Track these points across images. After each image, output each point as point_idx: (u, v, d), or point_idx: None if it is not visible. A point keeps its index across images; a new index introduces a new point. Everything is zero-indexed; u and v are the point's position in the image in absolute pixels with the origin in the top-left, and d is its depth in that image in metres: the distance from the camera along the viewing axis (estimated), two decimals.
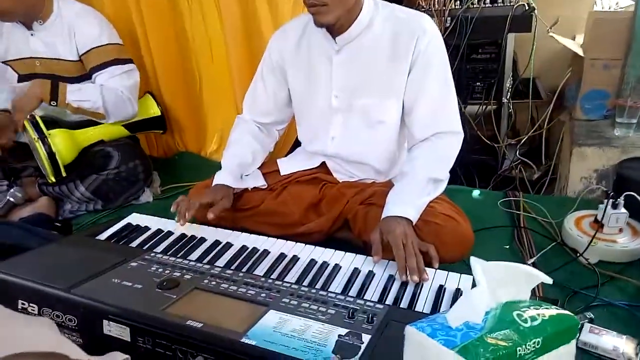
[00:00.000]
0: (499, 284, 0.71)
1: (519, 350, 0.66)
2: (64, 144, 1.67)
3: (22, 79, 1.79)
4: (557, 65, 3.04)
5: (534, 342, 0.68)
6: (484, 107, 2.42)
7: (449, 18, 2.23)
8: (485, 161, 2.54)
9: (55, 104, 1.65)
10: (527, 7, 2.14)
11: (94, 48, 1.71)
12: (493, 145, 2.42)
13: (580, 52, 1.94)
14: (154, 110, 2.01)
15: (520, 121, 2.66)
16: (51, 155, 1.62)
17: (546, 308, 0.74)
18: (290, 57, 1.41)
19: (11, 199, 1.70)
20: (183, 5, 1.99)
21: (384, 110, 1.33)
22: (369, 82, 1.32)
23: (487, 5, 2.18)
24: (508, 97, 2.41)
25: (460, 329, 0.67)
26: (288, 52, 1.41)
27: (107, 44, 1.73)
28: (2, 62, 1.80)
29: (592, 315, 1.06)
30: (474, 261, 0.69)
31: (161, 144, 2.35)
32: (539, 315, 0.71)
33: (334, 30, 1.27)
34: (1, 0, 1.56)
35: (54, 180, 1.68)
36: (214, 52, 2.03)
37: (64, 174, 1.67)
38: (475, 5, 2.19)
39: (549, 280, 0.71)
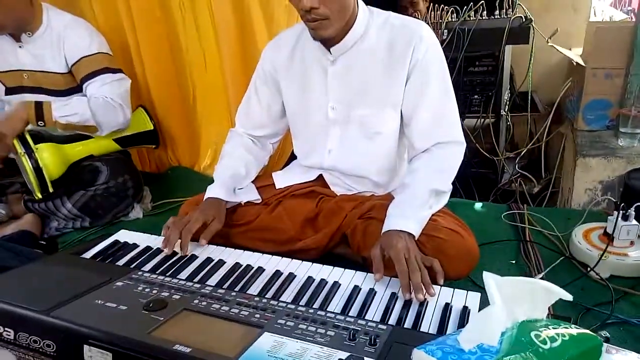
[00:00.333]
0: (515, 301, 0.65)
1: None
2: (52, 159, 1.61)
3: (9, 91, 1.74)
4: (554, 78, 3.05)
5: None
6: (482, 120, 2.40)
7: (445, 30, 2.22)
8: (485, 174, 2.52)
9: (43, 124, 1.60)
10: (524, 19, 2.13)
11: (84, 57, 1.67)
12: (492, 159, 2.39)
13: (581, 61, 1.91)
14: (147, 124, 1.96)
15: (519, 134, 2.64)
16: (38, 170, 1.57)
17: (565, 327, 0.68)
18: (284, 68, 1.36)
19: None
20: (176, 16, 1.95)
21: (382, 121, 1.29)
22: (365, 92, 1.28)
23: (484, 18, 2.17)
24: (506, 109, 2.39)
25: (474, 352, 0.61)
26: (281, 63, 1.37)
27: (97, 53, 1.69)
28: None
29: (607, 334, 1.00)
30: (488, 276, 0.63)
31: (153, 159, 2.29)
32: (558, 335, 0.65)
33: (329, 41, 1.23)
34: None
35: (40, 196, 1.62)
36: (208, 63, 1.99)
37: (50, 190, 1.61)
38: (472, 18, 2.18)
39: (568, 296, 0.66)
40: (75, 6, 2.01)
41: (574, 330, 0.67)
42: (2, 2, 1.53)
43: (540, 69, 3.19)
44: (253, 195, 1.41)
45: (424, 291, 0.97)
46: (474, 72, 2.40)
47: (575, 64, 2.00)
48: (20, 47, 1.69)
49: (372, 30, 1.24)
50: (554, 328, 0.66)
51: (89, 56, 1.67)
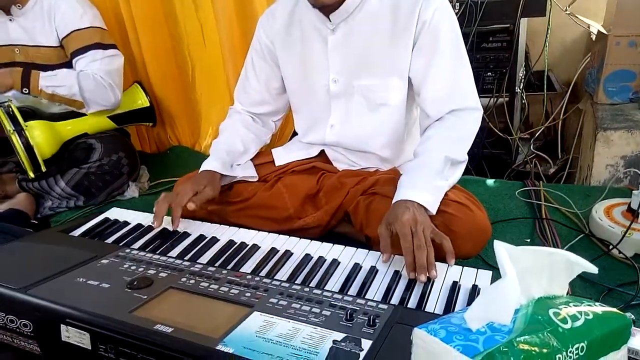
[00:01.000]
0: (531, 275, 0.57)
1: (559, 358, 0.52)
2: (43, 137, 1.56)
3: (1, 67, 1.67)
4: (570, 56, 2.92)
5: (577, 348, 0.54)
6: (496, 99, 2.30)
7: (457, 4, 2.11)
8: (498, 155, 2.43)
9: (27, 91, 1.54)
10: None
11: (74, 31, 1.61)
12: (506, 138, 2.30)
13: (603, 30, 1.79)
14: (143, 101, 1.89)
15: (534, 114, 2.55)
16: (29, 148, 1.51)
17: (588, 305, 0.59)
18: (281, 40, 1.28)
19: None
20: None
21: (388, 91, 1.20)
22: (369, 61, 1.19)
23: None
24: (521, 87, 2.28)
25: (483, 332, 0.53)
26: (278, 35, 1.28)
27: (88, 27, 1.62)
28: None
29: (632, 316, 0.91)
30: (499, 245, 0.55)
31: (153, 138, 2.23)
32: (581, 313, 0.57)
33: (328, 6, 1.14)
34: None
35: (33, 175, 1.57)
36: (206, 36, 1.90)
37: (43, 169, 1.56)
38: None
39: (594, 269, 0.57)
40: None
41: (598, 308, 0.59)
42: None
43: (556, 46, 3.06)
44: (250, 172, 1.33)
45: (426, 273, 0.89)
46: (487, 48, 2.30)
47: (596, 34, 1.89)
48: (10, 20, 1.63)
49: None
50: (575, 306, 0.58)
51: (80, 30, 1.61)
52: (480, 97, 2.29)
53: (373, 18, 1.16)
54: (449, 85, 1.13)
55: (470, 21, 2.10)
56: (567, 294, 0.90)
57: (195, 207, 1.14)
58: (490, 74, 2.33)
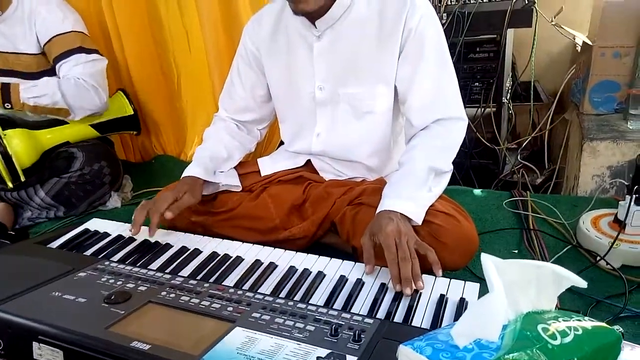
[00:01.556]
0: (519, 289, 0.55)
1: None
2: (23, 146, 1.52)
3: None
4: (556, 67, 2.96)
5: None
6: (483, 109, 2.31)
7: (444, 14, 2.12)
8: (485, 165, 2.43)
9: (10, 106, 1.50)
10: (526, 1, 2.04)
11: (56, 36, 1.58)
12: (493, 148, 2.30)
13: (588, 41, 1.81)
14: (127, 109, 1.85)
15: (521, 124, 2.56)
16: (7, 157, 1.47)
17: (578, 320, 0.58)
18: (266, 47, 1.27)
19: None
20: None
21: (374, 99, 1.19)
22: (355, 68, 1.18)
23: (484, 1, 2.07)
24: (508, 97, 2.29)
25: (470, 349, 0.51)
26: (263, 41, 1.27)
27: (70, 31, 1.59)
28: None
29: (620, 328, 0.90)
30: (486, 258, 0.53)
31: (137, 147, 2.19)
32: (570, 329, 0.55)
33: (313, 14, 1.13)
34: None
35: (11, 185, 1.52)
36: (192, 43, 1.88)
37: (22, 179, 1.51)
38: (472, 1, 2.08)
39: (582, 283, 0.56)
40: None
41: (587, 323, 0.57)
42: None
43: (542, 57, 3.10)
44: (233, 181, 1.31)
45: (413, 285, 0.87)
46: (475, 58, 2.31)
47: (581, 45, 1.91)
48: None
49: (360, 0, 1.14)
50: (564, 321, 0.56)
51: (62, 34, 1.58)
52: (467, 107, 2.31)
53: (359, 25, 1.15)
54: (434, 94, 1.13)
55: (457, 31, 2.11)
56: (555, 306, 0.89)
57: (172, 215, 1.11)
58: (477, 84, 2.34)
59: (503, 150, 2.31)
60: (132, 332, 0.75)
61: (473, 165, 2.31)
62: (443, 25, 2.06)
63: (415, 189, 1.02)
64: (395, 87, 1.17)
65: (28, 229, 1.59)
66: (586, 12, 2.82)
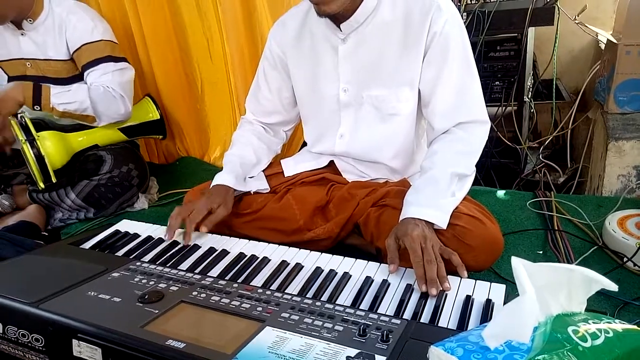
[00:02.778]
0: (548, 292, 0.56)
1: None
2: (55, 148, 1.57)
3: (11, 80, 1.69)
4: (579, 65, 2.91)
5: None
6: (504, 108, 2.29)
7: (464, 14, 2.11)
8: (506, 165, 2.41)
9: (39, 108, 1.54)
10: None
11: (85, 44, 1.62)
12: (515, 148, 2.28)
13: (612, 39, 1.78)
14: (153, 114, 1.89)
15: (542, 123, 2.53)
16: (40, 158, 1.52)
17: (608, 322, 0.58)
18: (292, 50, 1.29)
19: None
20: (180, 1, 1.89)
21: (398, 102, 1.19)
22: (379, 71, 1.19)
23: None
24: (529, 96, 2.27)
25: (501, 351, 0.52)
26: (289, 45, 1.29)
27: (99, 40, 1.63)
28: None
29: None
30: (517, 262, 0.54)
31: (161, 149, 2.24)
32: (600, 331, 0.56)
33: (338, 17, 1.14)
34: None
35: (43, 186, 1.57)
36: (213, 51, 1.91)
37: (53, 180, 1.56)
38: None
39: (613, 286, 0.56)
40: None
41: (618, 325, 0.58)
42: None
43: (564, 55, 3.05)
44: (262, 184, 1.34)
45: (439, 286, 0.88)
46: (495, 57, 2.29)
47: (605, 42, 1.88)
48: (22, 34, 1.64)
49: (385, 3, 1.15)
50: (595, 323, 0.57)
51: (91, 43, 1.62)
52: (488, 106, 2.28)
53: (384, 28, 1.16)
54: (457, 97, 1.13)
55: (478, 31, 2.10)
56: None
57: (207, 230, 1.15)
58: (498, 83, 2.32)
59: (524, 149, 2.29)
60: (166, 331, 0.78)
61: (494, 164, 2.30)
62: (464, 23, 2.06)
63: (439, 195, 1.03)
64: (419, 90, 1.17)
65: (60, 229, 1.64)
66: (609, 9, 2.78)
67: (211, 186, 1.25)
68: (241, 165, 1.31)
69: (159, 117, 1.91)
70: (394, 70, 1.17)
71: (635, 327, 0.58)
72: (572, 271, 0.56)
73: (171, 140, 2.19)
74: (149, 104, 1.91)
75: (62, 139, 1.61)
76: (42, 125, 1.61)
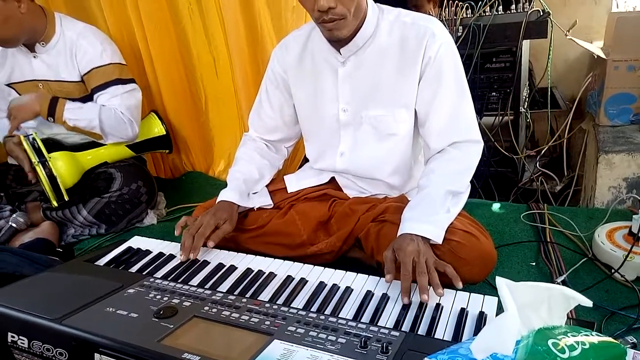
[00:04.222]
0: (530, 308, 0.62)
1: None
2: (66, 167, 1.63)
3: None
4: (575, 72, 2.96)
5: None
6: (501, 117, 2.34)
7: (460, 27, 2.17)
8: (504, 173, 2.46)
9: (52, 119, 1.62)
10: (541, 13, 2.07)
11: (95, 68, 1.69)
12: (512, 157, 2.33)
13: (602, 54, 1.84)
14: (159, 130, 1.96)
15: (539, 131, 2.58)
16: (52, 178, 1.59)
17: (585, 335, 0.64)
18: (293, 70, 1.35)
19: (13, 225, 1.66)
20: (186, 21, 1.96)
21: (395, 122, 1.26)
22: (377, 92, 1.25)
23: (499, 13, 2.12)
24: (525, 106, 2.33)
25: None
26: (291, 65, 1.35)
27: (108, 64, 1.70)
28: (6, 85, 1.78)
29: (634, 339, 0.95)
30: (501, 282, 0.60)
31: (168, 164, 2.31)
32: (578, 343, 0.62)
33: (340, 41, 1.21)
34: (3, 29, 1.55)
35: (56, 204, 1.64)
36: (219, 69, 1.99)
37: (66, 198, 1.63)
38: (487, 13, 2.13)
39: (588, 302, 0.62)
40: (88, 14, 2.04)
41: (594, 338, 0.63)
42: (17, 16, 1.56)
43: (560, 63, 3.11)
44: (266, 200, 1.39)
45: (429, 294, 0.94)
46: (491, 68, 2.34)
47: (596, 56, 1.94)
48: (34, 57, 1.71)
49: (382, 29, 1.21)
50: (573, 336, 0.63)
51: (101, 67, 1.69)
52: (485, 115, 2.35)
53: (381, 52, 1.22)
54: (452, 118, 1.19)
55: (474, 43, 2.16)
56: (570, 318, 0.95)
57: (213, 244, 1.20)
58: (494, 93, 2.37)
59: (521, 159, 2.34)
60: (182, 345, 0.83)
61: (492, 173, 2.35)
62: (459, 37, 2.13)
63: (435, 212, 1.09)
64: (416, 111, 1.24)
65: (72, 245, 1.70)
66: (602, 18, 2.83)
67: (216, 202, 1.31)
68: (245, 182, 1.36)
69: (165, 133, 1.98)
70: (391, 92, 1.23)
71: (610, 339, 0.64)
72: (551, 289, 0.62)
73: (177, 155, 2.26)
74: (155, 120, 1.98)
75: (72, 159, 1.68)
76: (52, 145, 1.67)
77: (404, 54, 1.20)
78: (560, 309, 0.64)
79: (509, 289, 0.60)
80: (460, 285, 0.98)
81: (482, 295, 0.96)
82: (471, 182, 1.19)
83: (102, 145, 1.77)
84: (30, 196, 1.81)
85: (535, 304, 0.62)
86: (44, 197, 1.73)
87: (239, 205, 1.32)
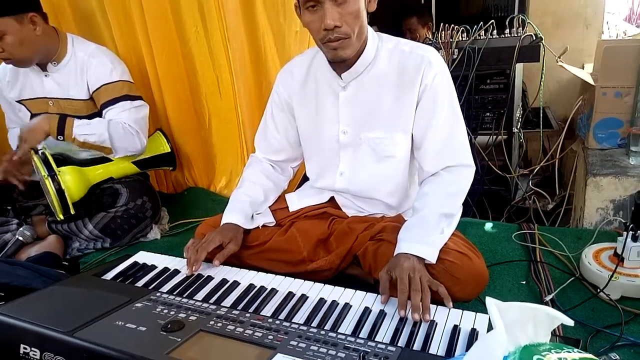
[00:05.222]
0: (517, 326, 0.67)
1: None
2: (73, 182, 1.68)
3: (34, 116, 1.82)
4: (567, 94, 3.04)
5: None
6: (494, 137, 2.41)
7: (456, 50, 2.24)
8: (498, 192, 2.51)
9: (62, 138, 1.67)
10: (534, 38, 2.14)
11: (105, 85, 1.75)
12: (505, 176, 2.39)
13: (590, 80, 1.92)
14: (164, 147, 2.02)
15: (532, 150, 2.64)
16: (60, 192, 1.63)
17: (568, 351, 0.69)
18: (297, 94, 1.41)
19: (20, 238, 1.70)
20: (192, 43, 2.03)
21: (393, 145, 1.32)
22: (376, 116, 1.31)
23: (494, 37, 2.19)
24: (518, 127, 2.40)
25: None
26: (295, 89, 1.41)
27: (118, 81, 1.76)
28: (17, 101, 1.83)
29: (617, 356, 1.01)
30: (490, 302, 0.65)
31: (170, 180, 2.36)
32: (560, 359, 0.67)
33: (341, 66, 1.27)
34: (18, 50, 1.61)
35: (62, 217, 1.68)
36: (222, 89, 2.06)
37: (72, 212, 1.67)
38: (482, 37, 2.20)
39: (569, 322, 0.68)
40: (97, 35, 2.11)
41: (576, 354, 0.69)
42: (32, 38, 1.62)
43: (553, 84, 3.20)
44: (268, 219, 1.45)
45: (421, 313, 0.98)
46: (486, 89, 2.40)
47: (585, 82, 2.01)
48: (46, 75, 1.77)
49: (382, 56, 1.28)
50: (556, 352, 0.68)
51: (110, 84, 1.75)
52: (479, 135, 2.41)
53: (381, 78, 1.28)
54: (446, 144, 1.25)
55: (469, 65, 2.23)
56: (557, 335, 1.01)
57: (219, 263, 1.25)
58: (488, 114, 2.43)
59: (514, 178, 2.40)
60: (189, 357, 0.88)
61: (485, 192, 2.40)
62: (455, 59, 2.20)
63: (429, 233, 1.15)
64: (412, 134, 1.30)
65: (78, 258, 1.74)
66: (593, 43, 2.92)
67: (222, 223, 1.37)
68: (250, 204, 1.42)
69: (169, 150, 2.04)
70: (389, 116, 1.29)
71: (590, 355, 0.69)
72: (536, 309, 0.68)
73: (180, 171, 2.31)
74: (160, 138, 2.04)
75: (80, 173, 1.72)
76: (61, 160, 1.72)
77: (402, 81, 1.26)
78: (544, 327, 0.69)
79: (497, 309, 0.65)
80: (450, 305, 1.03)
81: (474, 313, 1.01)
82: (465, 200, 1.25)
83: (109, 160, 1.82)
84: (36, 210, 1.85)
85: (522, 322, 0.68)
86: (49, 210, 1.78)
87: (244, 228, 1.37)
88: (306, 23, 1.19)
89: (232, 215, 1.37)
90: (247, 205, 1.40)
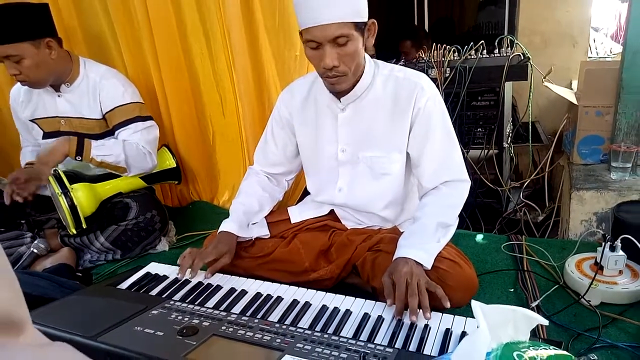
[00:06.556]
0: (499, 326, 0.76)
1: None
2: (85, 197, 1.76)
3: (46, 136, 1.91)
4: (556, 109, 3.15)
5: None
6: (486, 151, 2.51)
7: (448, 68, 2.34)
8: (490, 204, 2.60)
9: (81, 159, 1.75)
10: (522, 57, 2.25)
11: (118, 107, 1.84)
12: (496, 189, 2.48)
13: (574, 100, 2.03)
14: (170, 162, 2.11)
15: (523, 164, 2.73)
16: (73, 208, 1.71)
17: (545, 349, 0.79)
18: (298, 113, 1.50)
19: (35, 251, 1.77)
20: (197, 64, 2.13)
21: (389, 163, 1.41)
22: (372, 136, 1.40)
23: (484, 56, 2.29)
24: (509, 141, 2.50)
25: None
26: (296, 108, 1.51)
27: (129, 103, 1.85)
28: (30, 120, 1.92)
29: (595, 356, 1.10)
30: (475, 305, 0.75)
31: (175, 194, 2.44)
32: (537, 355, 0.76)
33: (342, 91, 1.36)
34: (35, 73, 1.70)
35: (74, 232, 1.76)
36: (225, 108, 2.16)
37: (84, 226, 1.75)
38: (472, 56, 2.31)
39: (544, 322, 0.77)
40: (107, 57, 2.21)
41: (552, 351, 0.78)
42: (48, 62, 1.71)
43: (542, 100, 3.31)
44: (263, 231, 1.54)
45: (418, 314, 1.07)
46: (477, 106, 2.50)
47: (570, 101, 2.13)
48: (59, 96, 1.86)
49: (378, 82, 1.38)
50: (534, 349, 0.77)
51: (122, 106, 1.84)
52: (471, 149, 2.51)
53: (377, 102, 1.38)
54: (442, 161, 1.35)
55: (460, 83, 2.33)
56: (541, 337, 1.10)
57: (211, 275, 1.35)
58: (480, 129, 2.54)
59: (506, 191, 2.50)
60: (205, 359, 0.97)
61: (478, 204, 2.49)
62: (447, 77, 2.31)
63: (427, 240, 1.24)
64: (408, 154, 1.39)
65: (89, 270, 1.81)
66: (579, 59, 3.05)
67: (218, 232, 1.46)
68: (245, 213, 1.51)
69: (175, 165, 2.13)
70: (384, 137, 1.39)
71: (564, 352, 0.79)
72: (515, 311, 0.77)
73: (185, 185, 2.40)
74: (166, 154, 2.13)
75: (91, 189, 1.81)
76: (72, 177, 1.81)
77: (396, 105, 1.36)
78: (524, 327, 0.78)
79: (481, 310, 0.74)
80: (448, 305, 1.11)
81: (465, 318, 1.10)
82: (459, 212, 1.35)
83: (118, 177, 1.90)
84: (48, 223, 1.92)
85: (503, 323, 0.77)
86: (61, 224, 1.85)
87: (238, 235, 1.46)
88: (307, 57, 1.29)
89: (227, 224, 1.46)
90: (240, 214, 1.49)
